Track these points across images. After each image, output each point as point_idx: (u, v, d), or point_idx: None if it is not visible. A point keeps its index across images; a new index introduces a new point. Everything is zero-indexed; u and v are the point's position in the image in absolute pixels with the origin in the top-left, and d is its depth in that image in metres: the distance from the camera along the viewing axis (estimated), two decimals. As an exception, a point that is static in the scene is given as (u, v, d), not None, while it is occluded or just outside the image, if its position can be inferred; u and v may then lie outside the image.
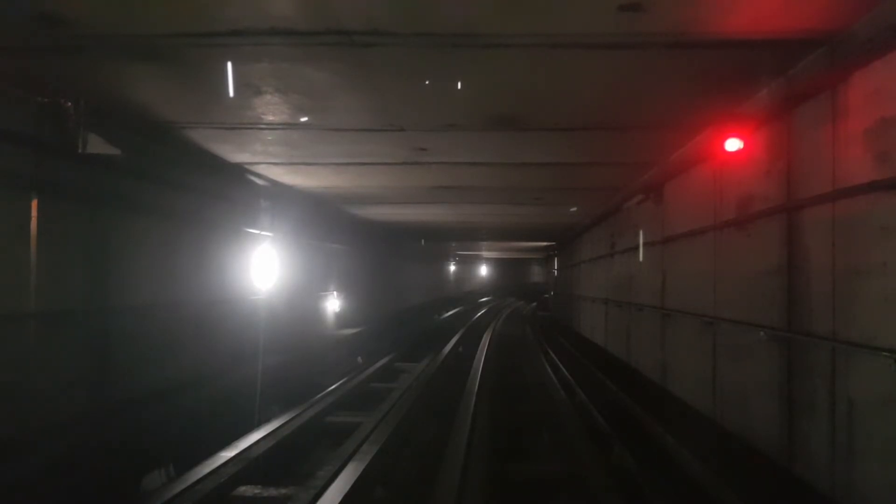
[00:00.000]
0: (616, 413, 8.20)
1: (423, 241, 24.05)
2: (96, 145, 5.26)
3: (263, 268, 9.56)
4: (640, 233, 9.83)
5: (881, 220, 3.69)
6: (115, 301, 6.36)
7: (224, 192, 8.71)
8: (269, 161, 8.13)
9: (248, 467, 5.85)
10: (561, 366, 12.64)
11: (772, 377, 5.08)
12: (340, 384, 9.99)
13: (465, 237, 23.35)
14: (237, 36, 4.02)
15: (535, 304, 37.10)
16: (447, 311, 29.99)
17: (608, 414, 8.05)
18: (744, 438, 5.61)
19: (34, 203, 5.25)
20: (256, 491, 5.49)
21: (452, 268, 37.66)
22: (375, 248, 18.83)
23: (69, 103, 5.06)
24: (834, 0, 3.61)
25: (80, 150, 5.14)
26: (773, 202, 5.09)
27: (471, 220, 15.94)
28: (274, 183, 9.67)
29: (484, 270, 52.22)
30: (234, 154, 7.70)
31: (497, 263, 53.05)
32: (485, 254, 39.78)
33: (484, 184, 9.94)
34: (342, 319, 15.06)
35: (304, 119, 6.03)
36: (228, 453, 6.01)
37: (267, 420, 7.38)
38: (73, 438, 5.46)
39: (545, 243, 26.12)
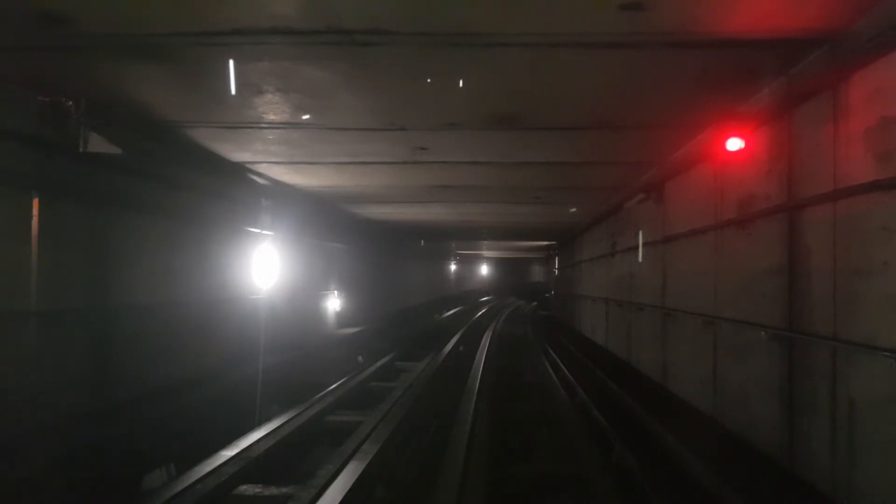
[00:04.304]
0: (617, 412, 8.19)
1: (423, 240, 24.04)
2: (97, 144, 5.27)
3: (264, 267, 9.57)
4: (641, 232, 9.83)
5: (882, 219, 3.69)
6: (116, 300, 6.37)
7: (225, 191, 8.71)
8: (269, 160, 8.14)
9: (248, 466, 5.85)
10: (561, 365, 12.62)
11: (772, 377, 5.08)
12: (341, 383, 9.98)
13: (466, 236, 23.34)
14: (238, 35, 4.02)
15: (535, 303, 37.10)
16: (448, 311, 29.96)
17: (609, 413, 8.05)
18: (744, 438, 5.62)
19: (35, 202, 5.27)
20: (257, 490, 5.49)
21: (453, 267, 37.61)
22: (376, 248, 18.83)
23: (70, 102, 5.06)
24: (835, -1, 3.62)
25: (80, 149, 5.14)
26: (774, 202, 5.09)
27: (471, 220, 15.93)
28: (275, 182, 9.67)
29: (484, 270, 52.20)
30: (235, 153, 7.70)
31: (497, 263, 53.03)
32: (485, 253, 39.79)
33: (484, 183, 9.94)
34: (342, 318, 15.07)
35: (304, 118, 6.03)
36: (229, 452, 6.01)
37: (267, 419, 7.38)
38: (74, 437, 5.46)
39: (546, 243, 26.12)
